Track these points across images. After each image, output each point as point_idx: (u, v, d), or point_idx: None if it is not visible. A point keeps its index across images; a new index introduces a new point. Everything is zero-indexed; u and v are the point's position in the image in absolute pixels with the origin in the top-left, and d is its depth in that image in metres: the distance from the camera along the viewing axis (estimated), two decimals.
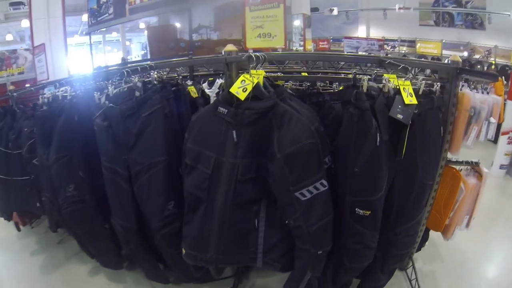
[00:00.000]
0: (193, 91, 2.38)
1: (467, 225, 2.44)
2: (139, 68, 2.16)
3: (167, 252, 2.20)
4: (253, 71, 1.73)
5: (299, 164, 1.67)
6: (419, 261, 2.97)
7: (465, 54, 11.35)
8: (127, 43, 20.68)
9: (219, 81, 2.53)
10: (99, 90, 2.25)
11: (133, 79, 2.14)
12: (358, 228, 1.89)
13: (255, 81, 1.68)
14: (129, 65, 2.54)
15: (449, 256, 3.08)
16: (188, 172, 1.87)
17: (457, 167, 2.31)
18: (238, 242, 1.86)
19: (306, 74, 2.68)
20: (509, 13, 10.04)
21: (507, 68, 10.35)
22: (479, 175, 2.35)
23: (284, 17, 2.21)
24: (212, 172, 1.76)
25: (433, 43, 12.34)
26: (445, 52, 11.88)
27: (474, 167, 2.35)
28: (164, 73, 2.23)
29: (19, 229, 3.74)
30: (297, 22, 9.08)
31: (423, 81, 1.95)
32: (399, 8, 11.42)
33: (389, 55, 12.31)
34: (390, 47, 13.02)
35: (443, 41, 12.05)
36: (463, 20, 12.05)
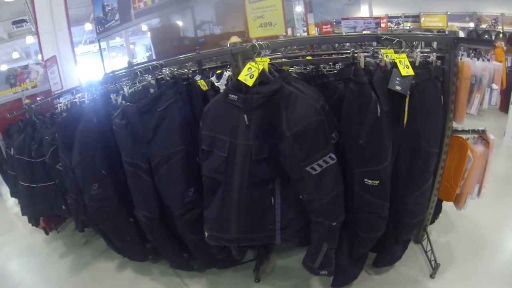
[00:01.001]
0: (202, 84, 2.51)
1: (478, 193, 2.46)
2: (150, 67, 2.31)
3: (189, 238, 2.35)
4: (258, 59, 1.86)
5: (308, 140, 1.79)
6: (434, 233, 3.00)
7: (471, 24, 11.22)
8: (131, 46, 20.86)
9: (227, 74, 2.64)
10: (114, 92, 2.41)
11: (146, 77, 2.28)
12: (368, 198, 1.99)
13: (261, 67, 1.81)
14: (140, 65, 2.67)
15: (463, 227, 3.10)
16: (205, 157, 2.01)
17: (464, 136, 2.34)
18: (257, 220, 1.99)
19: (310, 57, 2.79)
20: None
21: None
22: (486, 142, 2.37)
23: (283, 5, 2.38)
24: (228, 155, 1.90)
25: (438, 16, 12.14)
26: (450, 23, 11.40)
27: (481, 135, 2.37)
28: (174, 69, 2.36)
29: (47, 233, 3.92)
30: (299, 8, 9.07)
31: (419, 53, 2.03)
32: None
33: (393, 32, 12.15)
34: (394, 24, 12.84)
35: (448, 13, 11.86)
36: None
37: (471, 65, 2.27)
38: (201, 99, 2.35)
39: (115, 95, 2.35)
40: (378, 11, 13.30)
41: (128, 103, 2.23)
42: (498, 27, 10.96)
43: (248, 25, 2.38)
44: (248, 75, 1.80)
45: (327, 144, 1.86)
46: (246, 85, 1.84)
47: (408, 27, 12.37)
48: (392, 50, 2.01)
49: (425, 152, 2.11)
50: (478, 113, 2.38)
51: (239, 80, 1.84)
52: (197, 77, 2.56)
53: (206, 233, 2.09)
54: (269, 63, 1.95)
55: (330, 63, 2.46)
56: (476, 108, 2.38)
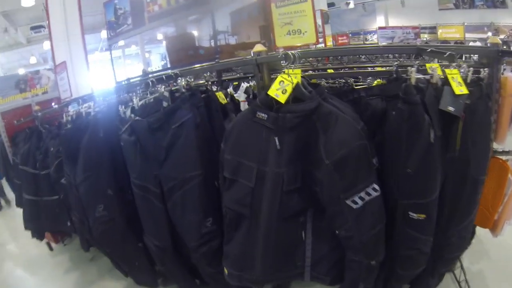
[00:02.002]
0: (221, 97, 2.24)
1: None
2: (164, 77, 2.02)
3: (206, 270, 2.06)
4: (289, 71, 1.56)
5: (350, 169, 1.51)
6: (466, 260, 2.75)
7: (490, 34, 10.85)
8: (147, 55, 20.90)
9: (245, 85, 2.38)
10: (123, 103, 2.12)
11: (159, 89, 2.01)
12: (411, 233, 1.73)
13: (295, 81, 1.52)
14: (153, 74, 2.41)
15: (497, 253, 2.87)
16: (227, 186, 1.71)
17: (504, 158, 2.08)
18: (285, 257, 1.71)
19: (332, 70, 2.53)
20: None
21: None
22: None
23: (313, 11, 2.06)
24: (255, 185, 1.60)
25: (455, 27, 11.92)
26: (468, 35, 11.48)
27: None
28: (191, 80, 2.07)
29: (51, 249, 3.76)
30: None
31: (471, 68, 1.74)
32: None
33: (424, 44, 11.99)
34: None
35: (465, 24, 11.62)
36: (484, 0, 11.57)
37: None
38: (221, 114, 2.05)
39: (123, 106, 2.05)
40: (393, 23, 13.13)
41: (137, 117, 1.94)
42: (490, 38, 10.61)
43: (274, 32, 2.07)
44: (280, 89, 1.50)
45: (371, 173, 1.57)
46: (277, 102, 1.53)
47: (425, 39, 12.16)
48: (438, 65, 1.76)
49: (473, 180, 1.83)
50: None
51: (268, 96, 1.54)
52: (214, 88, 2.30)
53: (226, 271, 1.79)
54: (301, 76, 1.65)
55: (359, 77, 2.20)
56: None
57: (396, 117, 1.61)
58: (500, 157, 2.09)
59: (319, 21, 9.28)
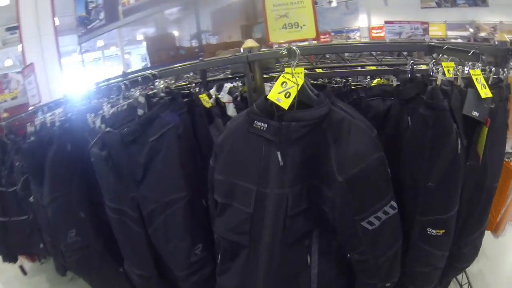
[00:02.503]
0: (205, 100, 1.97)
1: None
2: (140, 79, 1.72)
3: None
4: (289, 69, 1.28)
5: (366, 187, 1.27)
6: None
7: (471, 30, 10.99)
8: (126, 56, 20.44)
9: (228, 85, 2.12)
10: (92, 111, 1.76)
11: (133, 93, 1.67)
12: (427, 250, 1.53)
13: (300, 82, 1.24)
14: (129, 77, 2.08)
15: (498, 255, 2.82)
16: (219, 211, 1.43)
17: (507, 159, 2.00)
18: (288, 285, 1.44)
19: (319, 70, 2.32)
20: None
21: None
22: None
23: (313, 3, 1.77)
24: (254, 210, 1.32)
25: (437, 25, 11.72)
26: (450, 33, 11.39)
27: None
28: (172, 81, 1.79)
29: (25, 273, 3.42)
30: None
31: (493, 69, 1.54)
32: None
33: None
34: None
35: (446, 21, 11.52)
36: None
37: None
38: (206, 120, 1.78)
39: (92, 115, 1.69)
40: (376, 21, 13.06)
41: (108, 128, 1.60)
42: (497, 35, 10.65)
43: (267, 26, 1.78)
44: (283, 93, 1.21)
45: (389, 189, 1.33)
46: (278, 108, 1.26)
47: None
48: (453, 64, 1.53)
49: (489, 188, 1.65)
50: None
51: (268, 100, 1.26)
52: (196, 90, 2.00)
53: None
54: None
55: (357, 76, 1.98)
56: None
57: (418, 124, 1.38)
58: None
59: None
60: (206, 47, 13.51)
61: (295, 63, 1.27)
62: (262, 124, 1.28)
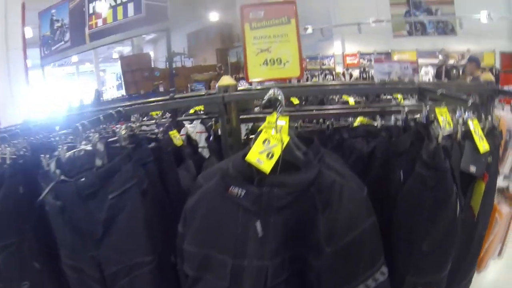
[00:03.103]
0: (175, 137, 1.78)
1: (499, 253, 2.25)
2: (101, 117, 1.49)
3: None
4: (271, 119, 1.07)
5: (357, 256, 1.09)
6: None
7: (440, 57, 11.37)
8: (101, 73, 20.05)
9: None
10: (48, 149, 1.46)
11: (91, 136, 1.38)
12: None
13: (285, 139, 1.03)
14: (90, 109, 1.83)
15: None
16: (190, 284, 1.19)
17: None
18: None
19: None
20: (478, 17, 9.93)
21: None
22: (510, 200, 2.13)
23: (297, 36, 1.57)
24: (230, 283, 1.11)
25: (408, 53, 12.16)
26: (420, 60, 11.77)
27: (505, 193, 2.11)
28: (138, 121, 1.57)
29: None
30: None
31: (489, 116, 1.43)
32: (373, 22, 11.23)
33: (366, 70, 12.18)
34: (366, 60, 12.95)
35: (417, 49, 11.93)
36: (435, 27, 12.09)
37: (507, 119, 1.97)
38: (175, 169, 1.58)
39: (48, 156, 1.39)
40: (350, 48, 13.35)
41: (63, 176, 1.34)
42: (463, 62, 11.03)
43: (246, 61, 1.58)
44: (265, 152, 1.00)
45: (380, 254, 1.15)
46: (259, 171, 1.06)
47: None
48: (446, 109, 1.37)
49: (479, 237, 1.55)
50: None
51: (246, 162, 1.06)
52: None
53: None
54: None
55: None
56: (509, 167, 2.12)
57: (416, 184, 1.22)
58: None
59: None
60: (180, 70, 13.38)
61: (279, 114, 1.08)
62: (239, 190, 1.07)
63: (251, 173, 1.06)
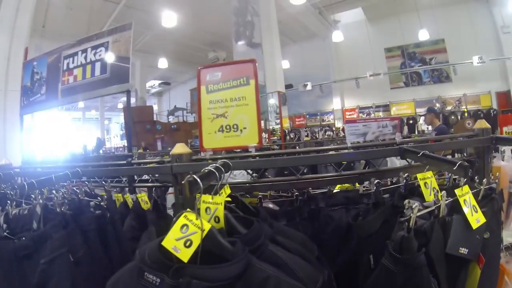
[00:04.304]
0: (143, 200, 1.62)
1: None
2: (53, 177, 1.34)
3: None
4: (206, 197, 0.93)
5: None
6: None
7: (438, 105, 11.46)
8: (106, 122, 20.21)
9: None
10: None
11: (33, 196, 1.34)
12: None
13: (206, 227, 0.86)
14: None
15: None
16: None
17: None
18: None
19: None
20: (471, 61, 10.17)
21: (479, 113, 10.70)
22: None
23: (257, 99, 1.38)
24: None
25: (406, 103, 12.43)
26: (418, 110, 11.99)
27: None
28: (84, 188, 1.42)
29: None
30: (272, 100, 8.69)
31: (484, 181, 1.16)
32: (370, 75, 11.33)
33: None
34: (365, 114, 13.07)
35: (414, 99, 12.20)
36: (430, 76, 12.35)
37: (508, 169, 1.74)
38: (122, 238, 1.39)
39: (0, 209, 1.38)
40: (349, 103, 13.50)
41: (6, 233, 1.31)
42: (462, 107, 11.53)
43: (201, 128, 1.38)
44: (182, 240, 0.84)
45: None
46: (178, 259, 0.88)
47: (379, 117, 12.54)
48: (431, 173, 1.17)
49: None
50: None
51: (163, 249, 0.88)
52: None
53: None
54: (229, 202, 1.03)
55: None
56: None
57: (381, 278, 0.97)
58: None
59: (276, 102, 9.12)
60: (181, 125, 13.40)
61: (218, 187, 0.91)
62: (154, 279, 0.89)
63: (169, 260, 0.87)
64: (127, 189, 1.76)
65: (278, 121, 8.53)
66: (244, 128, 1.40)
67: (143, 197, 1.69)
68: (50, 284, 1.22)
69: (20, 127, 4.07)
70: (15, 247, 1.28)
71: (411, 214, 0.94)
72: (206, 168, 0.94)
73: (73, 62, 3.41)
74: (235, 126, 1.41)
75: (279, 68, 9.03)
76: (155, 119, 13.70)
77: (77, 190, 1.54)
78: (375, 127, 2.28)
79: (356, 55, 12.73)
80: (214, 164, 0.96)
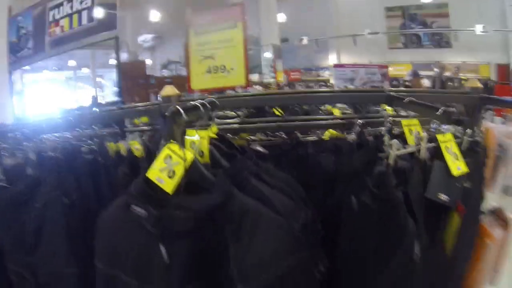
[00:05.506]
0: (135, 147, 1.62)
1: (492, 281, 1.78)
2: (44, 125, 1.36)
3: None
4: (190, 132, 0.96)
5: None
6: None
7: (436, 70, 11.22)
8: (99, 79, 19.85)
9: None
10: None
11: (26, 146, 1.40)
12: None
13: (189, 157, 0.89)
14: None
15: None
16: None
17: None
18: None
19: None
20: (473, 30, 10.00)
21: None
22: (503, 222, 1.70)
23: (244, 41, 1.37)
24: None
25: (403, 65, 12.16)
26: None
27: (498, 213, 1.69)
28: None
29: None
30: (267, 54, 8.56)
31: (468, 131, 1.16)
32: (368, 33, 11.14)
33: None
34: None
35: (412, 62, 11.97)
36: (430, 40, 12.18)
37: (496, 132, 1.75)
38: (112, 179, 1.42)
39: None
40: (345, 59, 13.28)
41: (4, 183, 1.36)
42: (460, 74, 11.21)
43: (190, 69, 1.39)
44: (165, 171, 0.87)
45: None
46: (163, 191, 0.91)
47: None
48: (417, 121, 1.19)
49: (458, 277, 1.28)
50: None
51: (148, 180, 0.91)
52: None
53: None
54: (214, 139, 1.04)
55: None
56: (501, 186, 1.85)
57: (360, 217, 1.00)
58: None
59: (270, 55, 9.01)
60: (176, 79, 13.21)
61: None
62: (141, 211, 0.92)
63: (155, 193, 0.91)
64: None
65: (273, 74, 8.45)
66: (232, 69, 1.41)
67: (135, 144, 1.70)
68: (45, 229, 1.28)
69: (9, 86, 4.03)
70: (11, 194, 1.33)
71: (390, 151, 0.96)
72: (191, 102, 0.94)
73: (59, 13, 3.36)
74: (222, 67, 1.42)
75: (274, 20, 8.85)
76: (148, 73, 13.46)
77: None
78: (363, 73, 2.27)
79: (355, 12, 12.43)
80: (200, 100, 0.97)
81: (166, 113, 0.91)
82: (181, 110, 0.90)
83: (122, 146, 1.62)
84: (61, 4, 3.39)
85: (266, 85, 8.75)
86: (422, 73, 11.18)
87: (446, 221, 1.09)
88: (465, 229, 1.15)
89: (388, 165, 0.97)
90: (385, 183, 0.95)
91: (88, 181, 1.38)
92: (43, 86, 15.01)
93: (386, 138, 1.00)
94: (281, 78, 9.85)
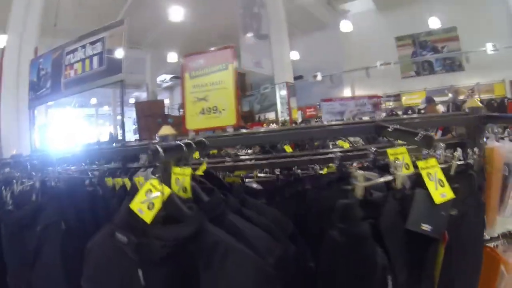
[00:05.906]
0: (140, 182, 1.70)
1: None
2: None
3: None
4: (176, 169, 1.06)
5: None
6: None
7: (450, 95, 10.93)
8: (119, 117, 20.42)
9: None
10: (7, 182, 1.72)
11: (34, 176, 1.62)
12: None
13: (166, 191, 0.99)
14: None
15: None
16: None
17: (492, 244, 1.53)
18: None
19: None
20: (484, 49, 9.86)
21: (492, 102, 10.28)
22: None
23: (235, 83, 1.45)
24: None
25: (417, 93, 12.10)
26: (471, 98, 11.55)
27: None
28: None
29: None
30: (283, 92, 8.68)
31: (456, 153, 1.16)
32: (380, 64, 11.19)
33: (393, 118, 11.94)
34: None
35: (426, 89, 11.86)
36: (442, 65, 12.05)
37: (502, 151, 1.59)
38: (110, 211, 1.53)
39: (8, 188, 1.65)
40: (360, 92, 13.29)
41: (11, 207, 1.58)
42: (475, 96, 10.88)
43: (185, 110, 1.47)
44: (145, 202, 0.98)
45: None
46: (143, 221, 1.00)
47: (389, 106, 12.40)
48: (404, 149, 1.13)
49: None
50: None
51: (131, 211, 1.00)
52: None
53: None
54: (200, 175, 1.15)
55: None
56: (510, 209, 1.64)
57: (330, 252, 1.00)
58: (488, 245, 1.49)
59: (284, 93, 9.13)
60: None
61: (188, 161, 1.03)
62: (123, 238, 1.02)
63: (137, 223, 1.01)
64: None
65: (287, 112, 8.55)
66: (223, 109, 1.49)
67: (140, 180, 1.78)
68: (44, 251, 1.44)
69: (28, 120, 4.33)
70: (16, 217, 1.52)
71: (356, 183, 0.97)
72: (174, 142, 1.02)
73: (73, 58, 3.70)
74: (214, 108, 1.50)
75: (287, 59, 9.01)
76: (166, 112, 13.77)
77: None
78: (353, 105, 2.28)
79: (366, 45, 12.52)
80: (185, 140, 1.05)
81: (149, 151, 1.00)
82: (160, 149, 1.00)
83: (127, 181, 1.71)
84: (76, 49, 3.76)
85: (282, 123, 8.86)
86: (436, 99, 11.08)
87: (434, 253, 1.06)
88: (458, 260, 1.14)
89: (353, 195, 0.98)
90: (350, 216, 0.95)
91: (87, 210, 1.52)
92: (66, 121, 15.61)
93: (352, 170, 1.02)
94: (296, 115, 9.95)
